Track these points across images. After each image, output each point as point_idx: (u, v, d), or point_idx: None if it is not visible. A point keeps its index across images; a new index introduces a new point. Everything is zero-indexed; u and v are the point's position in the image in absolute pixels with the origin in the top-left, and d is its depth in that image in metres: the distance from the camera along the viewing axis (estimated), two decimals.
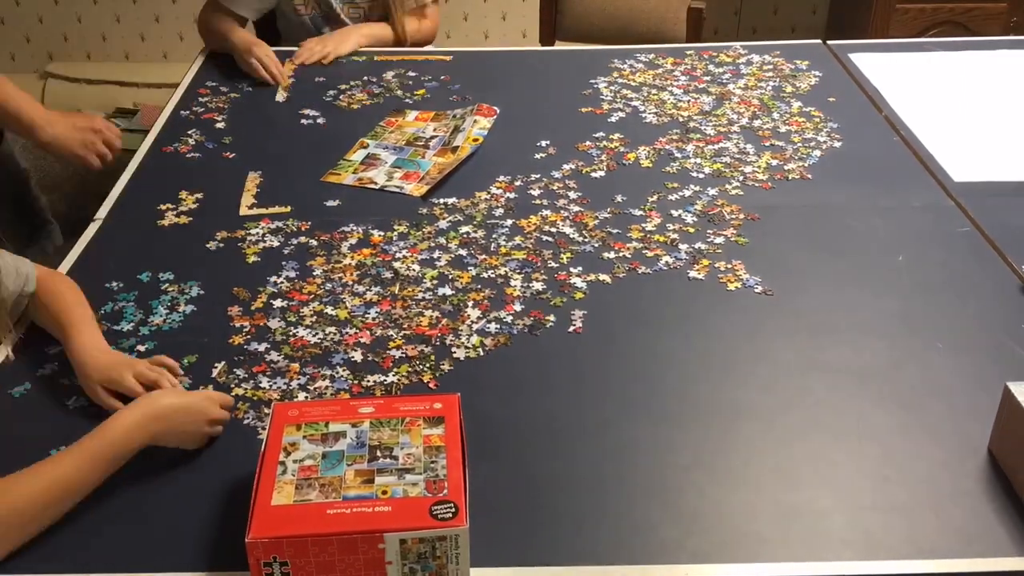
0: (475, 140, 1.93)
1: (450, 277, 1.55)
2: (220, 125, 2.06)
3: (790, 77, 2.25)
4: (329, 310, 1.47)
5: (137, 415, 1.17)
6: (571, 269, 1.57)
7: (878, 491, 1.15)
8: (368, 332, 1.42)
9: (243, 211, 1.74)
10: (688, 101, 2.13)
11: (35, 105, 1.81)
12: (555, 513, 1.12)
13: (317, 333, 1.42)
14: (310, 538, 0.97)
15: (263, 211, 1.74)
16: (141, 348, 1.39)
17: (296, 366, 1.35)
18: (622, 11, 3.07)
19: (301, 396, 1.30)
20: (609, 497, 1.15)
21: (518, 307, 1.48)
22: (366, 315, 1.46)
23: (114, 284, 1.53)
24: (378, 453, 1.07)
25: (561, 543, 1.09)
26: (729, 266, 1.57)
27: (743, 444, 1.23)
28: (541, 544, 1.08)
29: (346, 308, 1.47)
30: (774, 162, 1.88)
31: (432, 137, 1.98)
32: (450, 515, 0.99)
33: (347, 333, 1.42)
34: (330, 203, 1.76)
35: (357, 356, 1.37)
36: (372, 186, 1.82)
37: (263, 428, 1.24)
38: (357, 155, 1.93)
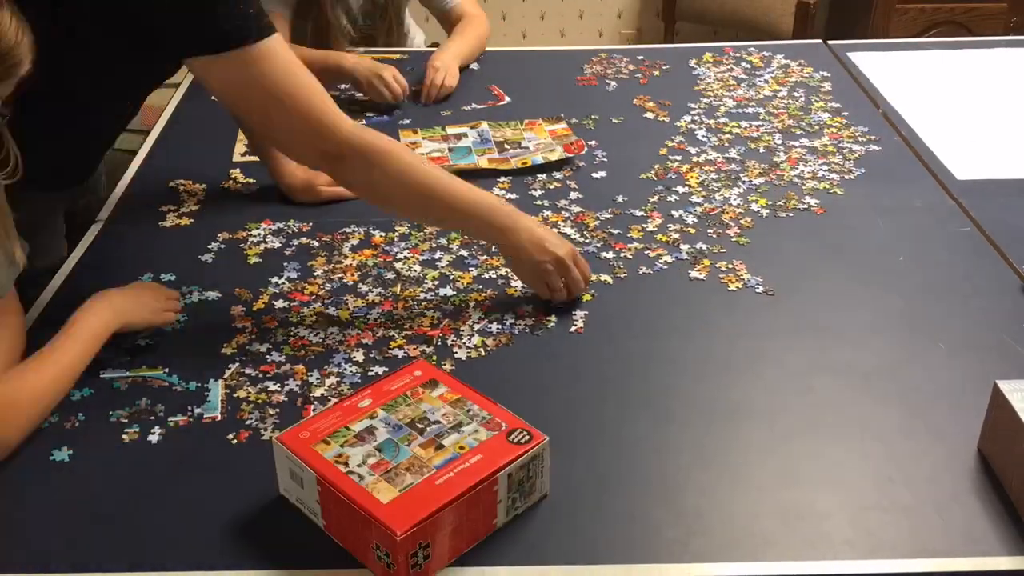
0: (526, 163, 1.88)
1: (451, 278, 1.55)
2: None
3: (789, 77, 2.25)
4: (331, 311, 1.47)
5: (102, 301, 1.32)
6: None
7: (881, 491, 1.15)
8: (370, 332, 1.42)
9: (236, 158, 1.91)
10: (688, 102, 2.13)
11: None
12: (556, 513, 1.12)
13: (319, 334, 1.42)
14: (443, 509, 0.99)
15: (255, 159, 1.86)
16: (141, 344, 1.39)
17: (301, 368, 1.35)
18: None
19: (317, 392, 1.30)
20: (610, 497, 1.14)
21: (519, 307, 1.48)
22: (368, 316, 1.46)
23: (115, 285, 1.53)
24: (420, 425, 1.09)
25: (562, 543, 1.08)
26: (730, 266, 1.57)
27: (745, 444, 1.23)
28: (542, 544, 1.08)
29: (347, 309, 1.48)
30: (775, 162, 1.88)
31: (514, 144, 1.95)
32: (528, 437, 1.07)
33: (349, 334, 1.42)
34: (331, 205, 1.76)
35: (359, 356, 1.37)
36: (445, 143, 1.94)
37: (265, 429, 1.24)
38: (452, 130, 2.00)
